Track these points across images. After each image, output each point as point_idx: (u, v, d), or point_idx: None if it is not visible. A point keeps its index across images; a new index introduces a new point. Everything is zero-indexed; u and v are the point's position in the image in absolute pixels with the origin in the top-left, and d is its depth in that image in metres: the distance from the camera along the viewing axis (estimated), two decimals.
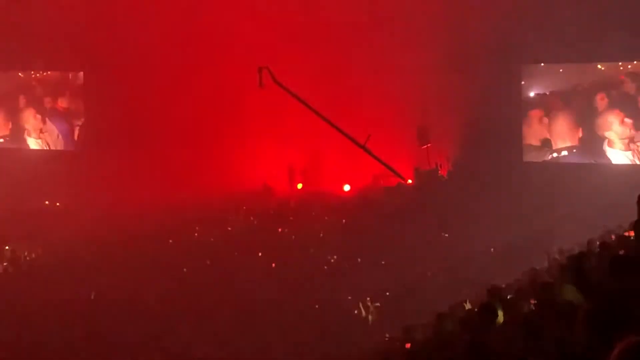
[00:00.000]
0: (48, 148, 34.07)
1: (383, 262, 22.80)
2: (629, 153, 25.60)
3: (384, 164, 27.26)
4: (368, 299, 20.32)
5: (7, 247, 25.17)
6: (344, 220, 26.10)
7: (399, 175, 27.52)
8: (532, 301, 9.85)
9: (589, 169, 25.72)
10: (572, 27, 24.77)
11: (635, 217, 9.64)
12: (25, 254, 25.15)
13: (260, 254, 23.99)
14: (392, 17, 26.78)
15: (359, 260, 23.16)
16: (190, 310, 20.38)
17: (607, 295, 7.37)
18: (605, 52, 25.33)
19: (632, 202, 10.37)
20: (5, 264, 24.26)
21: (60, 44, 30.84)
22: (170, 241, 25.44)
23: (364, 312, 20.13)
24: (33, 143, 34.14)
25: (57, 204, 30.65)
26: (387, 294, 20.70)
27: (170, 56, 29.32)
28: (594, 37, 24.48)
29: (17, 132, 34.28)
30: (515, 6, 25.14)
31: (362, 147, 26.55)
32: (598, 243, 12.77)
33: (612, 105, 25.77)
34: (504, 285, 13.70)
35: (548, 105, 26.81)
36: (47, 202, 30.46)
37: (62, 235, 26.02)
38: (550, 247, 18.32)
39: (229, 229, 26.35)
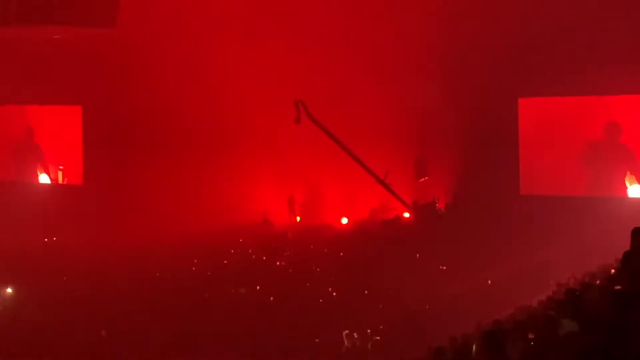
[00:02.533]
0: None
1: (381, 295, 22.68)
2: None
3: (400, 200, 27.64)
4: (369, 331, 20.40)
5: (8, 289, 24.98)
6: (341, 253, 26.04)
7: (409, 208, 27.74)
8: (531, 335, 9.67)
9: (586, 201, 25.51)
10: (567, 61, 24.82)
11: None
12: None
13: (257, 287, 24.01)
14: (393, 54, 26.92)
15: (358, 293, 23.08)
16: (188, 343, 20.38)
17: (605, 328, 7.48)
18: (600, 85, 25.06)
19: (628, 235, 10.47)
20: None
21: (62, 78, 30.97)
22: (157, 274, 25.34)
23: (361, 347, 20.11)
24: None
25: (54, 238, 30.32)
26: (381, 327, 20.65)
27: (170, 93, 29.37)
28: (590, 70, 24.39)
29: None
30: (512, 41, 25.22)
31: (381, 182, 27.12)
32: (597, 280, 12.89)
33: None
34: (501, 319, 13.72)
35: None
36: (46, 240, 30.06)
37: (59, 271, 25.96)
38: (547, 280, 18.32)
39: (225, 262, 26.21)
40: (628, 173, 25.70)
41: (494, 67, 25.65)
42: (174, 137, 30.11)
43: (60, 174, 33.50)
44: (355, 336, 20.34)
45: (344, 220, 28.57)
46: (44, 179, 33.69)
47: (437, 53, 25.83)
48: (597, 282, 12.46)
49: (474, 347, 10.43)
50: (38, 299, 23.92)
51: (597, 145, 26.16)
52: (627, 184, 25.76)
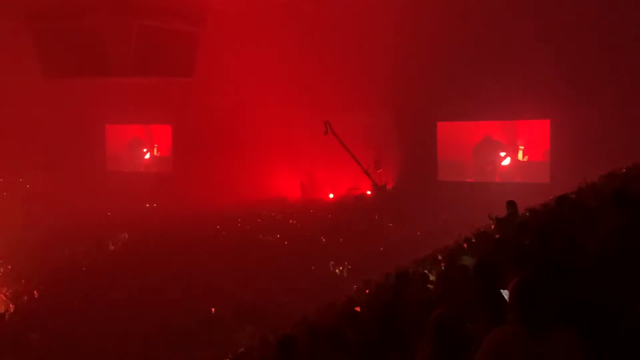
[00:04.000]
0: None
1: (352, 241, 22.64)
2: None
3: (372, 179, 27.12)
4: (345, 263, 20.45)
5: (125, 235, 24.63)
6: (329, 215, 26.04)
7: (377, 186, 27.29)
8: (443, 264, 9.91)
9: (477, 185, 25.21)
10: (475, 92, 23.95)
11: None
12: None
13: (278, 236, 23.99)
14: (361, 99, 26.25)
15: (341, 240, 23.12)
16: (237, 266, 20.31)
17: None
18: (507, 112, 24.37)
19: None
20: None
21: (160, 108, 29.95)
22: (217, 226, 24.60)
23: (341, 272, 20.24)
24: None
25: (155, 205, 29.18)
26: (348, 264, 20.54)
27: (223, 114, 28.30)
28: (496, 99, 23.67)
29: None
30: (433, 84, 24.59)
31: (365, 171, 26.88)
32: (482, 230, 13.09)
33: None
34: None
35: None
36: (147, 205, 29.16)
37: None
38: (454, 233, 18.13)
39: (258, 220, 26.02)
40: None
41: (422, 102, 25.38)
42: (225, 142, 29.05)
43: (155, 149, 32.85)
44: (340, 268, 20.41)
45: (331, 195, 28.37)
46: (147, 155, 32.89)
47: (387, 95, 25.45)
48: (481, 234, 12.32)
49: (410, 272, 10.61)
50: (141, 245, 23.67)
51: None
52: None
